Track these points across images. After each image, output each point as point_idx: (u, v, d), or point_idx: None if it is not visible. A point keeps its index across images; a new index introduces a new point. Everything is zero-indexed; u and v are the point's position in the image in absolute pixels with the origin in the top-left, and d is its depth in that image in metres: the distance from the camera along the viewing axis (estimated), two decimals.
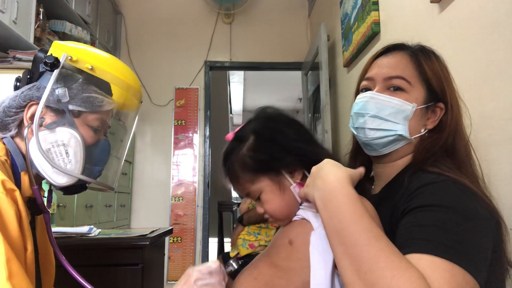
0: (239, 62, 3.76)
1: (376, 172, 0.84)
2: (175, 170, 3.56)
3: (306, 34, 3.76)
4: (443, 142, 0.73)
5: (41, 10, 2.16)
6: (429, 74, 0.76)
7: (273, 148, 0.72)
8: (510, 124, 0.98)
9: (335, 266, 0.63)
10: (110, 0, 3.44)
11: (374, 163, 0.84)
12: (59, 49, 0.82)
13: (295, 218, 0.73)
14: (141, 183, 3.55)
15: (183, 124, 3.64)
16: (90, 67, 0.82)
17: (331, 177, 0.60)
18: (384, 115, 0.75)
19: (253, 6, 3.79)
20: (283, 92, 6.69)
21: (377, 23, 1.90)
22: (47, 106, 0.79)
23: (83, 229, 1.46)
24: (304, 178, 0.73)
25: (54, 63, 0.78)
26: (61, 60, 0.79)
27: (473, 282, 0.52)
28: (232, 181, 0.77)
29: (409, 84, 0.75)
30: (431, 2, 1.35)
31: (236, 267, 0.72)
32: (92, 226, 1.51)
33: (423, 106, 0.75)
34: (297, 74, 3.77)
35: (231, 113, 6.73)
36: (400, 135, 0.75)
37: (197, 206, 3.51)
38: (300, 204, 0.73)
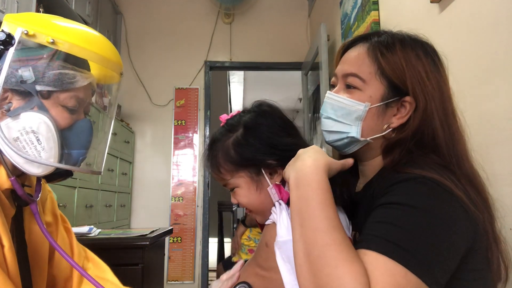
0: (239, 62, 3.76)
1: (359, 169, 0.81)
2: (175, 170, 3.56)
3: (306, 34, 3.76)
4: (410, 139, 0.68)
5: (41, 10, 2.16)
6: (386, 68, 0.69)
7: (258, 147, 0.73)
8: (510, 124, 0.98)
9: None
10: (110, 0, 3.44)
11: (357, 160, 0.81)
12: (13, 23, 0.71)
13: (268, 221, 0.75)
14: (141, 183, 3.55)
15: (183, 124, 3.64)
16: (51, 41, 0.71)
17: (310, 161, 0.62)
18: (337, 117, 0.73)
19: (253, 6, 3.78)
20: (283, 92, 6.68)
21: (376, 23, 1.90)
22: (12, 90, 0.71)
23: (83, 229, 1.47)
24: (283, 180, 0.74)
25: (7, 41, 0.68)
26: (16, 36, 0.69)
27: (417, 283, 0.51)
28: (212, 168, 0.78)
29: (363, 82, 0.70)
30: (431, 2, 1.35)
31: None
32: (92, 226, 1.51)
33: (381, 103, 0.70)
34: (297, 74, 3.77)
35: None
36: (351, 137, 0.71)
37: (197, 206, 3.51)
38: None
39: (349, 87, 0.73)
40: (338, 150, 0.78)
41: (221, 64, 3.75)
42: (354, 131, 0.71)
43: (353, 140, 0.73)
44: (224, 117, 0.81)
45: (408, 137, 0.68)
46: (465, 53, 1.18)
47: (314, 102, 3.28)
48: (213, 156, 0.77)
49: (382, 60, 0.70)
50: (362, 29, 2.06)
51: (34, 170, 0.73)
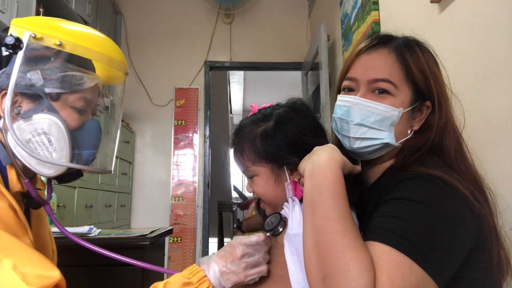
0: (239, 62, 3.76)
1: (363, 171, 0.81)
2: (175, 170, 3.56)
3: (306, 34, 3.76)
4: (427, 142, 0.70)
5: (41, 10, 2.16)
6: (415, 74, 0.71)
7: (285, 144, 0.74)
8: (510, 124, 0.98)
9: None
10: (110, 0, 3.44)
11: (361, 162, 0.81)
12: (21, 27, 0.72)
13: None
14: (141, 183, 3.55)
15: (183, 124, 3.64)
16: (59, 43, 0.72)
17: (326, 155, 0.64)
18: (369, 123, 0.71)
19: (253, 6, 3.78)
20: (283, 92, 6.62)
21: (377, 23, 1.90)
22: (21, 93, 0.72)
23: (83, 229, 1.46)
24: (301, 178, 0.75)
25: (16, 44, 0.69)
26: (24, 39, 0.70)
27: (421, 273, 0.52)
28: (235, 152, 0.79)
29: (396, 88, 0.71)
30: (431, 2, 1.35)
31: (281, 230, 0.73)
32: (92, 226, 1.50)
33: (409, 108, 0.71)
34: (297, 74, 3.77)
35: (231, 113, 6.73)
36: (386, 143, 0.71)
37: (197, 206, 3.50)
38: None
39: (382, 92, 0.71)
40: (360, 156, 0.76)
41: (221, 64, 3.75)
42: (389, 137, 0.71)
43: (385, 146, 0.73)
44: (255, 106, 0.83)
45: (425, 140, 0.70)
46: (465, 53, 1.18)
47: (314, 102, 3.28)
48: (239, 141, 0.78)
49: (413, 65, 0.71)
50: (362, 29, 2.06)
51: (46, 171, 0.74)
